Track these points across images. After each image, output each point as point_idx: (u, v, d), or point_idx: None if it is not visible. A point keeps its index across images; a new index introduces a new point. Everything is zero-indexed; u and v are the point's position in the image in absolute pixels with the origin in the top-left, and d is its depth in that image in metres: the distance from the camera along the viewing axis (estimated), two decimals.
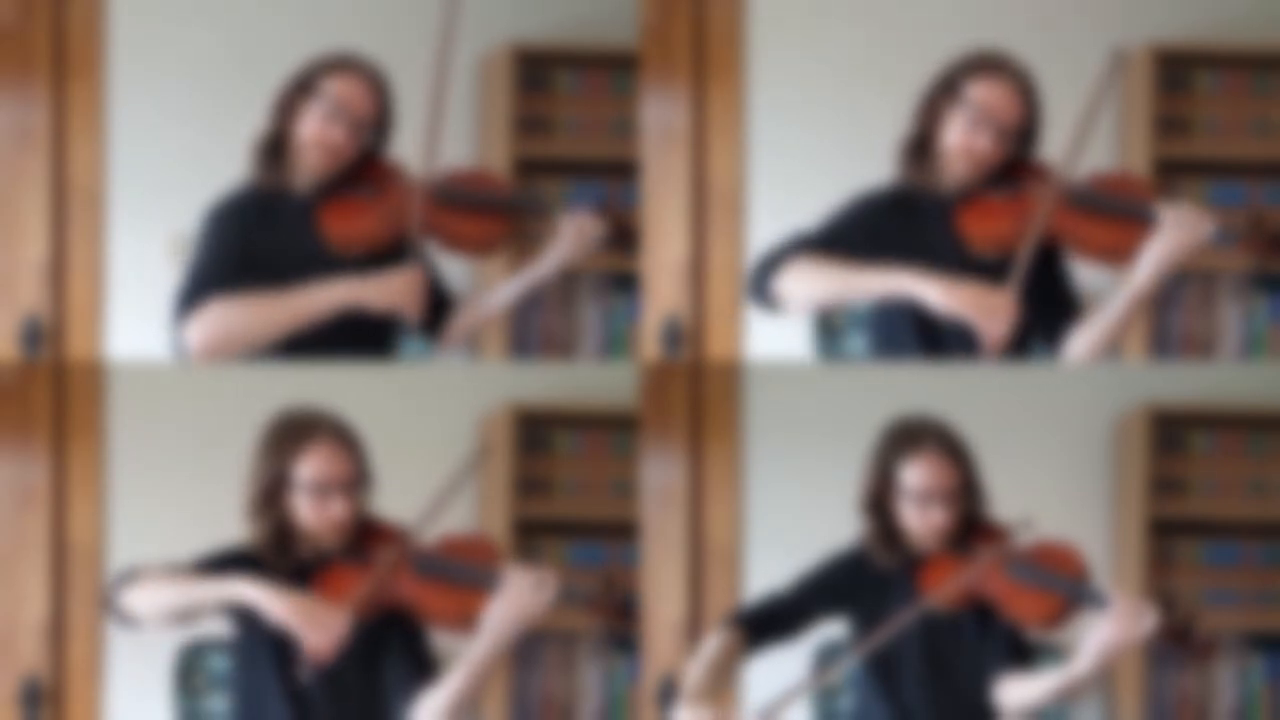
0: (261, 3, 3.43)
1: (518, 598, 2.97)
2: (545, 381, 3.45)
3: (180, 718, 3.24)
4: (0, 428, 3.32)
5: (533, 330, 3.45)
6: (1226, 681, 3.48)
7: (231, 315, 3.02)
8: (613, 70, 3.45)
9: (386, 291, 3.05)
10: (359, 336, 3.10)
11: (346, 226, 3.07)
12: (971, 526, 3.07)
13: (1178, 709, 3.47)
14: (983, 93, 3.03)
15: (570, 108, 3.47)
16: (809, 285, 3.08)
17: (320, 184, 3.07)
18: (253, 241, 3.07)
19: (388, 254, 3.08)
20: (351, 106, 3.05)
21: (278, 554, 2.98)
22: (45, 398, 3.32)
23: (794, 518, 3.39)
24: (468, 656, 2.97)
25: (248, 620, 2.99)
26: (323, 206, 3.07)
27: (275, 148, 3.07)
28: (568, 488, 3.46)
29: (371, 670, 3.01)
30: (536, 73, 3.46)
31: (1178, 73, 3.48)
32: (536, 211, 3.11)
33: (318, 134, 3.05)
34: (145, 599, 2.98)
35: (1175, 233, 2.98)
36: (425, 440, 3.44)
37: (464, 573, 3.00)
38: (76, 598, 3.33)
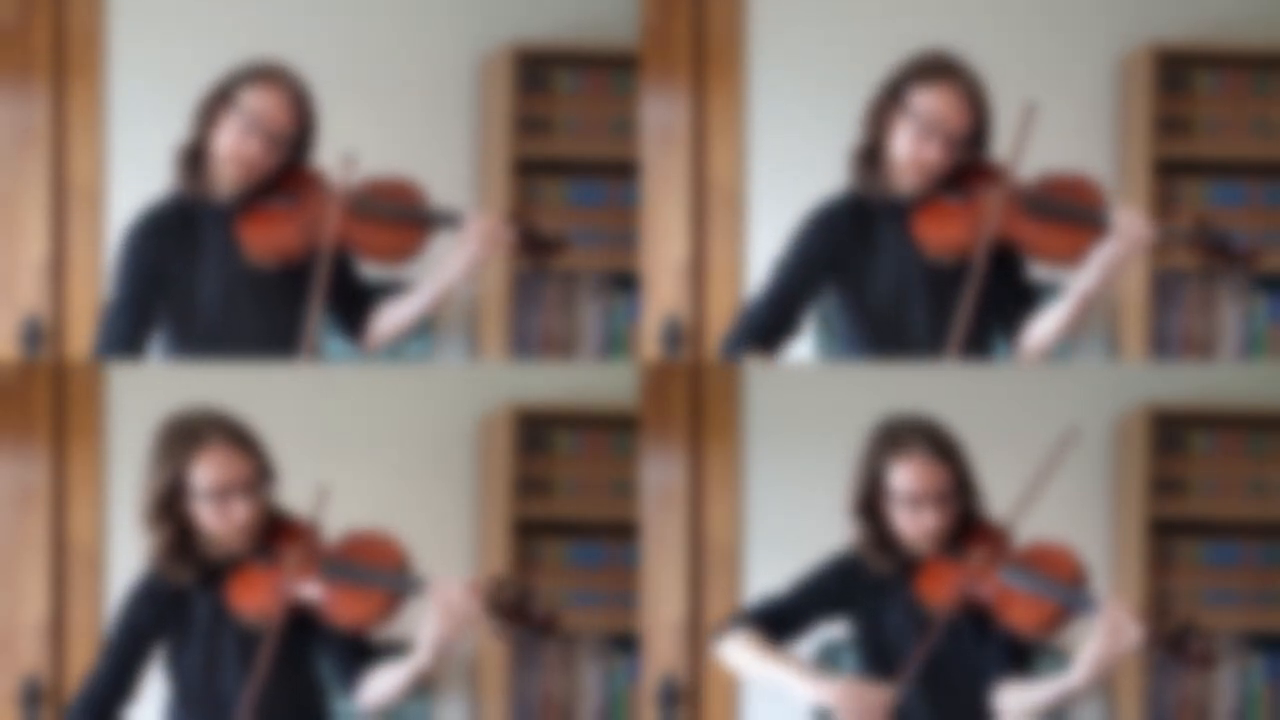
0: (261, 2, 3.42)
1: (448, 613, 2.94)
2: (545, 381, 3.45)
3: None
4: (0, 428, 3.32)
5: (533, 330, 3.45)
6: (1226, 682, 3.47)
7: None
8: (613, 70, 3.45)
9: None
10: (270, 324, 3.10)
11: (264, 237, 3.07)
12: (967, 526, 3.05)
13: (1178, 709, 3.47)
14: (929, 102, 3.01)
15: (570, 108, 3.47)
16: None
17: (239, 194, 3.07)
18: (167, 257, 3.08)
19: (302, 265, 3.07)
20: (268, 120, 3.03)
21: (181, 562, 2.97)
22: (45, 398, 3.32)
23: (794, 518, 3.39)
24: (408, 663, 2.95)
25: (179, 636, 3.00)
26: (242, 217, 3.07)
27: (195, 157, 3.07)
28: (568, 488, 3.45)
29: (298, 667, 3.01)
30: (536, 73, 3.46)
31: (1178, 73, 3.48)
32: (450, 223, 3.10)
33: (233, 147, 3.04)
34: None
35: (1121, 238, 2.97)
36: (425, 440, 3.44)
37: (368, 577, 2.99)
38: (76, 598, 3.33)
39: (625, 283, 3.41)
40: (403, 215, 3.11)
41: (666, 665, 3.37)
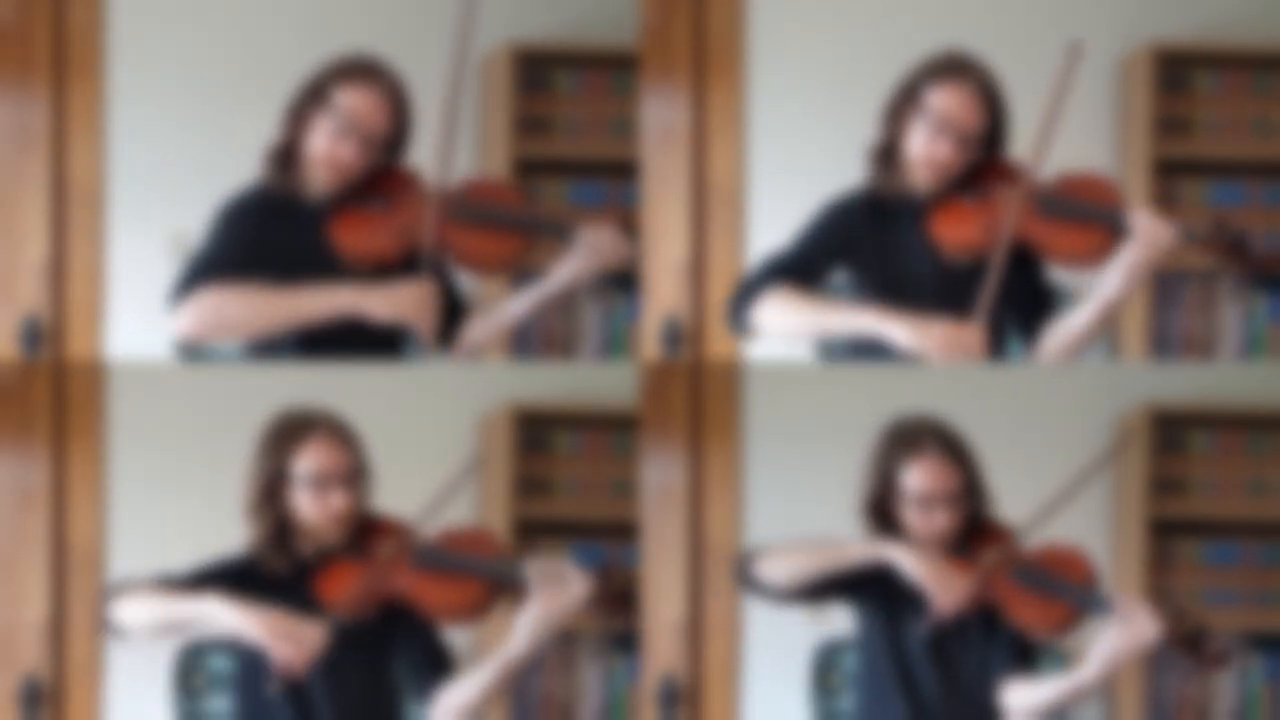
0: (262, 2, 3.43)
1: (554, 597, 2.94)
2: (545, 381, 3.45)
3: (180, 718, 3.24)
4: (0, 428, 3.32)
5: (533, 330, 3.45)
6: (1226, 682, 3.48)
7: (229, 304, 2.95)
8: (613, 70, 3.45)
9: (393, 303, 2.98)
10: (366, 343, 3.07)
11: (358, 240, 3.01)
12: (975, 527, 3.06)
13: (1178, 709, 3.47)
14: (941, 99, 3.01)
15: (570, 108, 3.47)
16: (783, 320, 3.05)
17: (331, 195, 3.01)
18: (264, 241, 3.01)
19: (399, 268, 3.02)
20: (363, 121, 2.96)
21: (278, 551, 2.98)
22: (45, 398, 3.32)
23: (794, 518, 3.39)
24: (501, 655, 2.95)
25: None
26: (334, 218, 3.01)
27: (286, 157, 3.00)
28: (568, 488, 3.46)
29: (378, 667, 3.01)
30: (536, 73, 3.46)
31: (1178, 73, 3.48)
32: (557, 232, 3.05)
33: (327, 150, 2.96)
34: (131, 612, 2.98)
35: (1142, 242, 2.97)
36: (426, 440, 3.44)
37: (465, 565, 2.99)
38: (76, 598, 3.33)
39: (625, 283, 3.41)
40: (504, 221, 3.05)
41: (666, 665, 3.37)
